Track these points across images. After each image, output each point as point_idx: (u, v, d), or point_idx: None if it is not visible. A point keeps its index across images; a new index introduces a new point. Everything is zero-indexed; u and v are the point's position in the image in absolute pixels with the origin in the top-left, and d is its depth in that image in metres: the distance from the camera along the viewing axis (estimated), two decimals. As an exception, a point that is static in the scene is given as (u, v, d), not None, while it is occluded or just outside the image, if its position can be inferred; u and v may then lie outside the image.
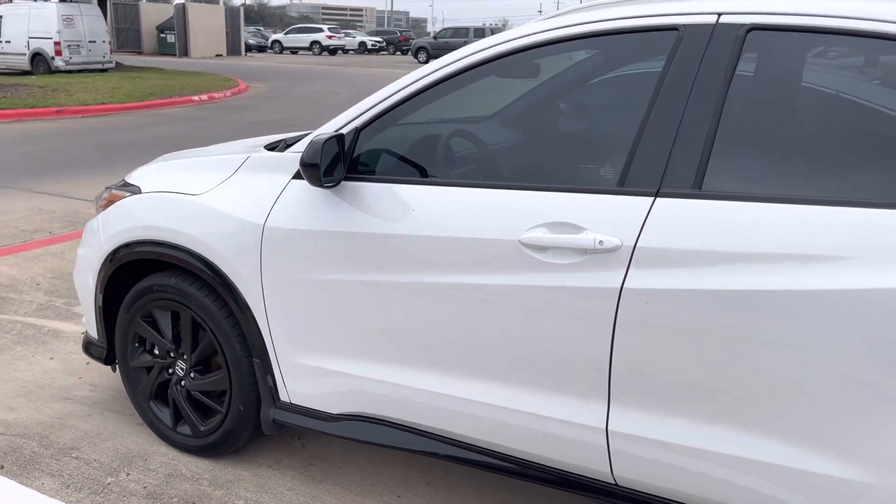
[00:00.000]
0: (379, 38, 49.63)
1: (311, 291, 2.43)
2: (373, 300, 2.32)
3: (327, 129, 2.45)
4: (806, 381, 1.77)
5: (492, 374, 2.19)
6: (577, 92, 2.63)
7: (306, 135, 3.32)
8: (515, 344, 2.12)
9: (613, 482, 2.10)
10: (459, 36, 33.71)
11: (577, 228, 1.99)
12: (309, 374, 2.52)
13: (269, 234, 2.47)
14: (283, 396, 2.61)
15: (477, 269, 2.13)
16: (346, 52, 45.39)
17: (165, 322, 2.84)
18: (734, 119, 1.92)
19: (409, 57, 39.76)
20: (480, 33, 32.82)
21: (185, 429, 2.91)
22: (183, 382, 2.86)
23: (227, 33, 36.15)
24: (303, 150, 2.43)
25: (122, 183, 3.02)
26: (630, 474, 2.04)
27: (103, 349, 3.07)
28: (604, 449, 2.05)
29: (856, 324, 1.69)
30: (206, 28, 34.54)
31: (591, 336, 1.98)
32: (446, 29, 37.46)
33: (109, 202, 2.95)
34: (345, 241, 2.34)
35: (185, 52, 33.59)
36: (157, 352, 2.92)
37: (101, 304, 2.99)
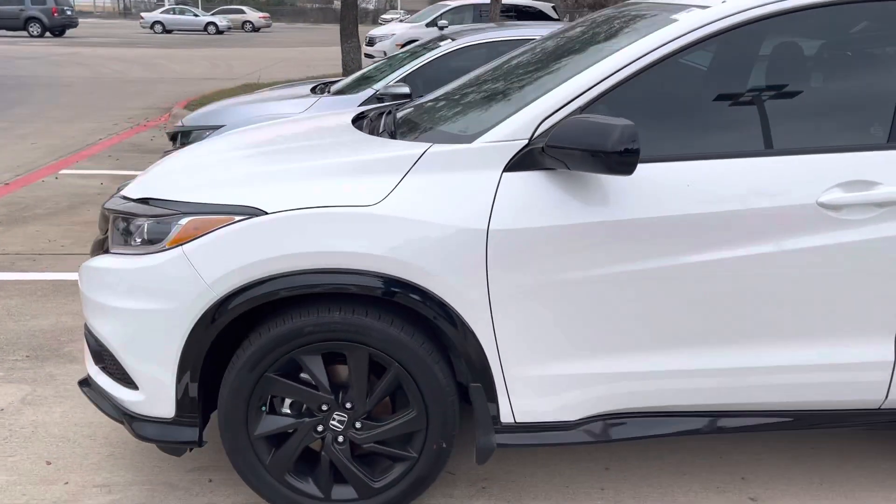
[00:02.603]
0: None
1: (551, 293, 2.18)
2: (642, 290, 2.18)
3: (542, 107, 2.18)
4: None
5: (771, 337, 2.24)
6: (833, 53, 2.52)
7: (384, 111, 2.81)
8: (805, 302, 2.20)
9: (881, 407, 2.34)
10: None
11: (871, 184, 2.15)
12: (542, 387, 2.27)
13: (496, 237, 2.14)
14: (507, 418, 2.30)
15: (769, 237, 2.16)
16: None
17: (318, 369, 2.26)
18: None
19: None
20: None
21: (344, 493, 2.36)
22: (340, 438, 2.32)
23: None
24: (505, 137, 2.16)
25: (195, 204, 2.24)
26: (898, 395, 2.30)
27: (193, 427, 2.31)
28: (886, 381, 2.28)
29: None
30: None
31: (889, 279, 2.18)
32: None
33: (193, 232, 2.20)
34: (602, 232, 2.15)
35: None
36: (301, 409, 2.31)
37: (199, 366, 2.24)
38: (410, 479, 2.35)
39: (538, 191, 2.16)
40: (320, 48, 26.01)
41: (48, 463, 2.70)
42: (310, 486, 2.37)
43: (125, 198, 2.51)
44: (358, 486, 2.35)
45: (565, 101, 2.19)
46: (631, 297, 2.20)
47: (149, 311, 2.23)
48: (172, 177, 2.48)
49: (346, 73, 12.50)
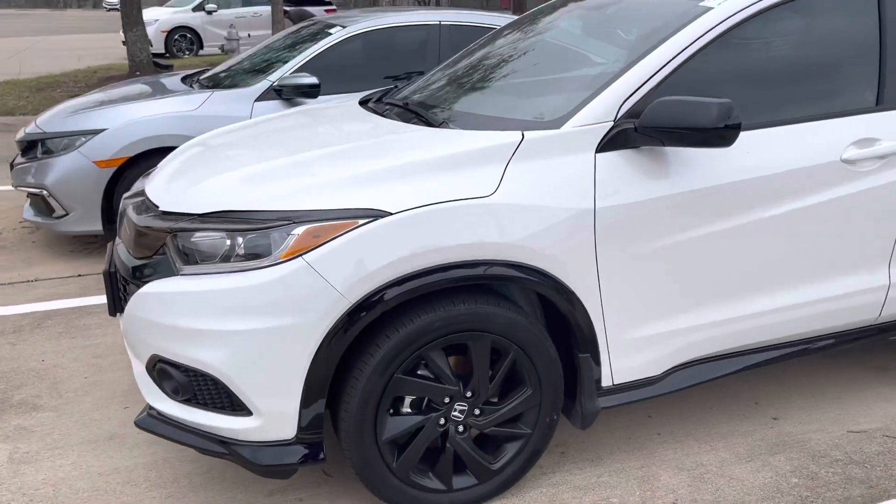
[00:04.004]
0: None
1: (647, 261, 2.39)
2: (718, 249, 2.46)
3: (621, 90, 2.35)
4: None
5: (802, 278, 2.63)
6: (838, 32, 2.75)
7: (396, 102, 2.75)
8: (824, 246, 2.61)
9: (875, 322, 2.84)
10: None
11: (874, 140, 2.60)
12: (637, 346, 2.47)
13: (602, 214, 2.30)
14: (607, 381, 2.47)
15: (809, 193, 2.53)
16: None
17: (443, 362, 2.27)
18: None
19: None
20: None
21: (464, 481, 2.40)
22: (461, 428, 2.35)
23: None
24: (593, 120, 2.33)
25: (310, 212, 2.12)
26: (894, 309, 2.82)
27: (317, 442, 2.22)
28: (882, 300, 2.77)
29: None
30: None
31: (887, 214, 2.65)
32: None
33: (313, 241, 2.09)
34: (689, 200, 2.39)
35: None
36: (421, 406, 2.30)
37: (328, 380, 2.15)
38: (525, 455, 2.45)
39: (630, 168, 2.35)
40: (59, 37, 23.47)
41: (104, 519, 2.41)
42: (432, 482, 2.38)
43: (175, 214, 2.31)
44: (478, 471, 2.40)
45: (642, 82, 2.38)
46: (707, 255, 2.46)
47: (271, 329, 2.09)
48: (245, 186, 2.30)
49: (133, 64, 11.55)
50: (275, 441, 2.21)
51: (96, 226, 4.67)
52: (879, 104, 2.66)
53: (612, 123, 2.35)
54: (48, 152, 4.67)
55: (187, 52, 17.96)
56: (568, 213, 2.27)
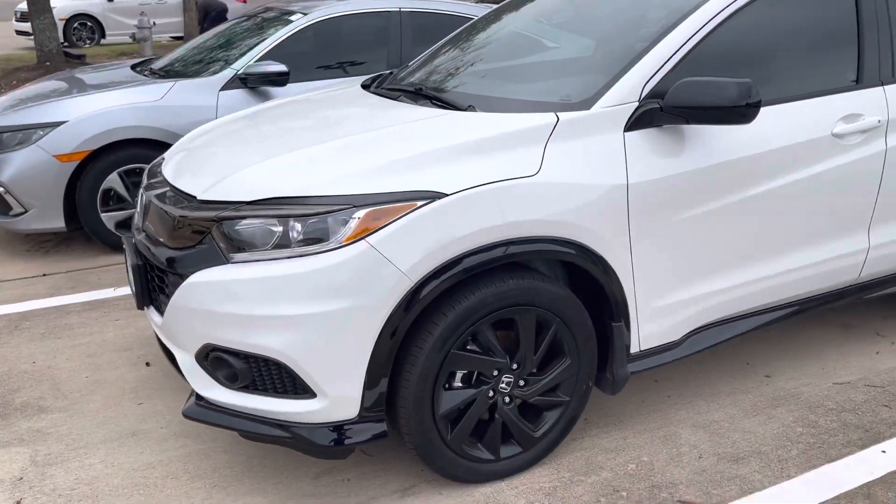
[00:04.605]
0: None
1: (674, 233, 2.55)
2: (731, 219, 2.64)
3: (643, 72, 2.49)
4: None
5: (800, 244, 2.85)
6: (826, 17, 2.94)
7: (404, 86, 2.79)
8: (818, 214, 2.84)
9: (856, 282, 3.11)
10: None
11: (858, 116, 2.84)
12: (661, 313, 2.63)
13: (635, 189, 2.44)
14: (634, 348, 2.62)
15: (806, 165, 2.75)
16: None
17: (493, 336, 2.36)
18: None
19: None
20: None
21: (510, 450, 2.50)
22: (507, 399, 2.45)
23: None
24: (619, 101, 2.46)
25: (370, 195, 2.17)
26: (872, 269, 3.08)
27: (379, 421, 2.27)
28: (862, 261, 3.03)
29: None
30: None
31: (869, 183, 2.90)
32: None
33: (375, 224, 2.13)
34: (708, 174, 2.55)
35: None
36: (471, 380, 2.38)
37: (392, 358, 2.21)
38: (564, 422, 2.57)
39: (655, 145, 2.49)
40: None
41: (153, 513, 2.39)
42: (482, 452, 2.47)
43: (219, 202, 2.31)
44: (523, 439, 2.51)
45: (661, 63, 2.52)
46: (723, 225, 2.64)
47: (337, 311, 2.13)
48: (293, 173, 2.31)
49: (42, 54, 10.98)
50: (339, 421, 2.25)
51: (58, 223, 4.49)
52: (860, 83, 2.91)
53: (638, 103, 2.48)
54: (1, 147, 4.44)
55: (88, 42, 17.17)
56: (604, 189, 2.40)
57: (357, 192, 2.19)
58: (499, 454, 2.49)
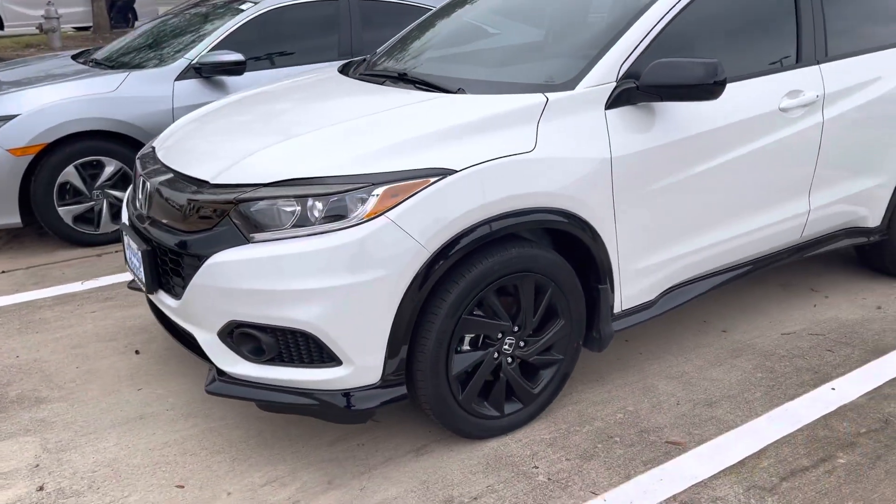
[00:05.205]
0: None
1: (649, 201, 2.80)
2: (696, 187, 2.92)
3: (618, 54, 2.72)
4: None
5: (755, 208, 3.16)
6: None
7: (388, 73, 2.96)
8: (769, 180, 3.16)
9: (798, 242, 3.46)
10: None
11: (799, 92, 3.17)
12: (639, 276, 2.88)
13: (617, 163, 2.68)
14: (617, 308, 2.87)
15: (757, 137, 3.05)
16: None
17: (497, 302, 2.55)
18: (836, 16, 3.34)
19: None
20: None
21: (512, 406, 2.71)
22: (509, 359, 2.65)
23: None
24: (599, 81, 2.69)
25: (386, 174, 2.32)
26: (811, 231, 3.44)
27: (399, 385, 2.43)
28: (803, 224, 3.38)
29: None
30: None
31: (810, 152, 3.24)
32: None
33: (393, 200, 2.28)
34: (677, 146, 2.82)
35: None
36: (478, 343, 2.57)
37: (412, 325, 2.37)
38: (558, 378, 2.80)
39: (632, 122, 2.74)
40: None
41: (180, 486, 2.47)
42: (489, 409, 2.67)
43: (234, 185, 2.41)
44: (523, 395, 2.72)
45: (634, 46, 2.77)
46: (691, 192, 2.91)
47: (361, 283, 2.28)
48: (307, 155, 2.43)
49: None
50: (363, 386, 2.40)
51: (13, 218, 4.41)
52: (799, 62, 3.24)
53: (615, 83, 2.72)
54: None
55: (-16, 34, 16.34)
56: (593, 163, 2.62)
57: (373, 171, 2.34)
58: (503, 410, 2.69)
